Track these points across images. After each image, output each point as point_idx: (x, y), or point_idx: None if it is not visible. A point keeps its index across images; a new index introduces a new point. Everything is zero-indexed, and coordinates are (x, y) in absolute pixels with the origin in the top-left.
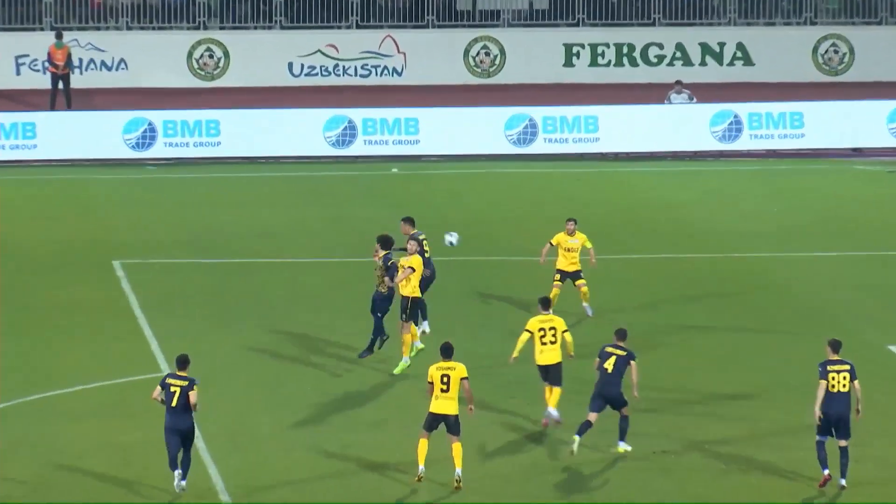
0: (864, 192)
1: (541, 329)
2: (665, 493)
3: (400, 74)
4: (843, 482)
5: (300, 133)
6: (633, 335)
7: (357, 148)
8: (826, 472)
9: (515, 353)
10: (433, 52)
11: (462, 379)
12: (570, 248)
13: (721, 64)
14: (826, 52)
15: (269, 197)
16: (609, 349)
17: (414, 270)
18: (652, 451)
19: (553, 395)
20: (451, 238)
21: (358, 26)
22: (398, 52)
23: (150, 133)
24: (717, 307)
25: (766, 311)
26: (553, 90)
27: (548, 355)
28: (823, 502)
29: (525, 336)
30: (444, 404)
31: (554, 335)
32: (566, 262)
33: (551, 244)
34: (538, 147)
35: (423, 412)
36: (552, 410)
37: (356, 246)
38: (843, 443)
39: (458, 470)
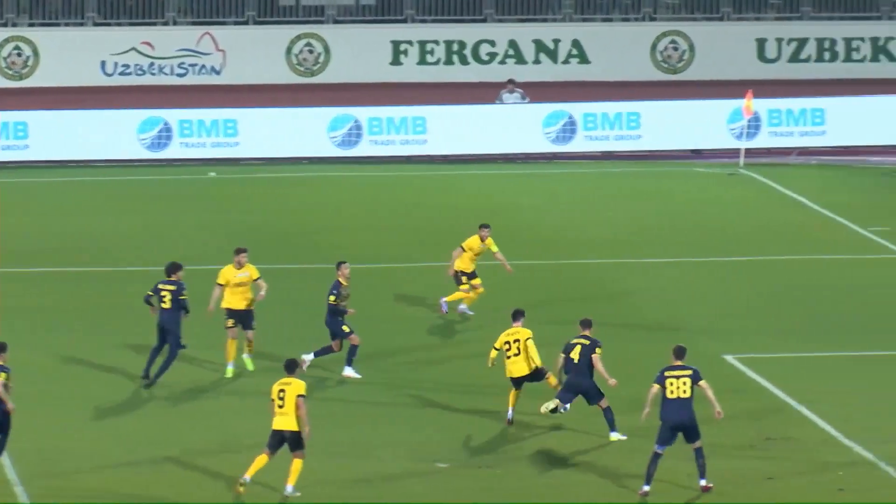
0: (704, 196)
1: (506, 343)
2: None
3: (219, 73)
4: (704, 482)
5: (114, 135)
6: (472, 339)
7: (173, 151)
8: (646, 487)
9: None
10: (254, 50)
11: (298, 396)
12: (478, 254)
13: (556, 62)
14: (665, 49)
15: (81, 203)
16: (574, 340)
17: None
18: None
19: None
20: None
21: (175, 23)
22: (217, 49)
23: None
24: (558, 313)
25: (604, 318)
26: (380, 89)
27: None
28: None
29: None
30: (283, 420)
31: (518, 347)
32: (468, 264)
33: (462, 248)
34: (364, 149)
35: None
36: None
37: (178, 253)
38: (696, 444)
39: (290, 486)
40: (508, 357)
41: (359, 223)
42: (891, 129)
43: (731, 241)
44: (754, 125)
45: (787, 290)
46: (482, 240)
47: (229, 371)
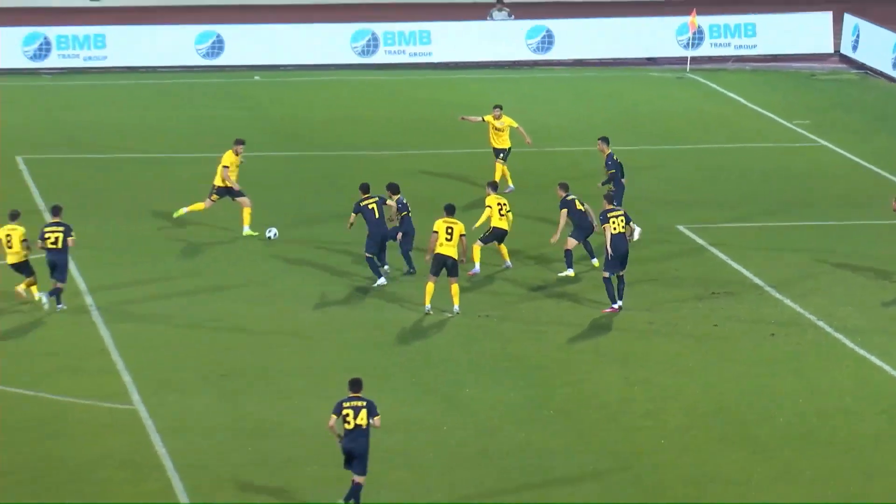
0: (657, 95)
1: (500, 204)
2: None
3: None
4: (620, 303)
5: (175, 46)
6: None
7: (224, 58)
8: (616, 305)
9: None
10: None
11: (461, 235)
12: (498, 129)
13: None
14: None
15: (148, 100)
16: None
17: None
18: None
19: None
20: (270, 233)
21: None
22: None
23: (45, 46)
24: (534, 194)
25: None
26: (392, 9)
27: (445, 248)
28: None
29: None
30: (448, 249)
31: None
32: (498, 141)
33: (483, 119)
34: (380, 58)
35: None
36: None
37: (222, 143)
38: (621, 273)
39: (456, 306)
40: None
41: (376, 118)
42: (811, 40)
43: (680, 131)
44: (698, 38)
45: (728, 173)
46: (496, 118)
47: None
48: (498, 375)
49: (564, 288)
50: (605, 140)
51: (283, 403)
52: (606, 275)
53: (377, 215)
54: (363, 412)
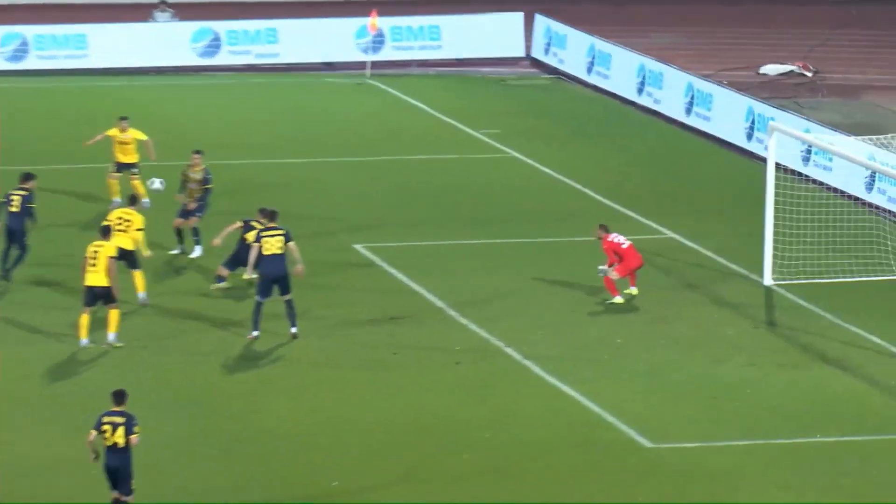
0: (335, 104)
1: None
2: None
3: None
4: (294, 330)
5: None
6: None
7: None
8: (256, 332)
9: None
10: None
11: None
12: (123, 142)
13: None
14: None
15: None
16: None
17: None
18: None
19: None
20: (157, 185)
21: None
22: None
23: None
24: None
25: (245, 211)
26: (43, 10)
27: (92, 277)
28: None
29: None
30: (94, 277)
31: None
32: (122, 154)
33: (107, 135)
34: (30, 64)
35: None
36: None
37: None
38: (287, 297)
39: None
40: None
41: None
42: (498, 43)
43: (360, 144)
44: (379, 41)
45: (410, 187)
46: (122, 130)
47: None
48: (155, 409)
49: (226, 315)
50: (200, 152)
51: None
52: (258, 300)
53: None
54: (120, 429)
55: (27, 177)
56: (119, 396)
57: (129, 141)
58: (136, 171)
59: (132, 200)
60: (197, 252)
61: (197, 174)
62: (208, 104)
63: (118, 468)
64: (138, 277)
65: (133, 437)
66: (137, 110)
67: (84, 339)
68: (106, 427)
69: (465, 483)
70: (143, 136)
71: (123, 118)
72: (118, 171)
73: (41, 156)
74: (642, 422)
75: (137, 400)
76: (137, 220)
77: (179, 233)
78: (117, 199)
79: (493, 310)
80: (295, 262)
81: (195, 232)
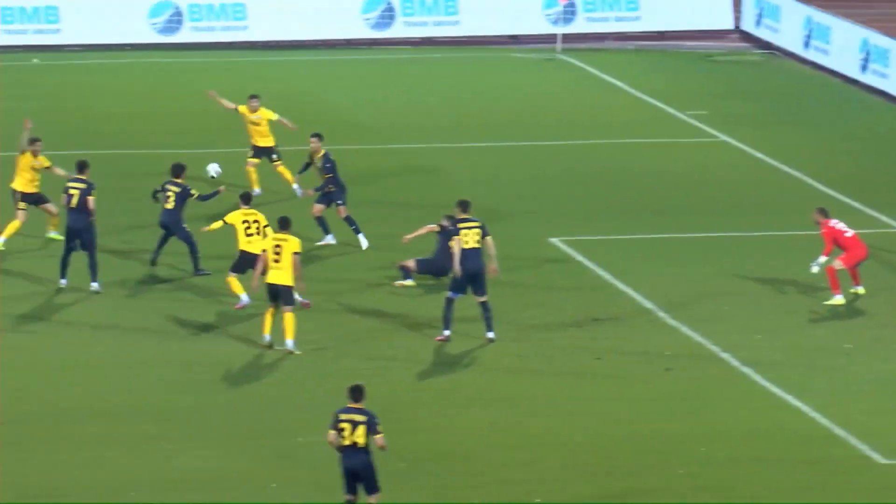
0: (521, 81)
1: (244, 221)
2: None
3: None
4: (491, 335)
5: None
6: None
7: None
8: (447, 332)
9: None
10: None
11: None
12: (254, 122)
13: None
14: None
15: None
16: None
17: None
18: None
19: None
20: (214, 170)
21: None
22: None
23: None
24: (380, 195)
25: (429, 199)
26: None
27: (275, 274)
28: None
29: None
30: (277, 275)
31: (258, 228)
32: (258, 137)
33: (237, 109)
34: (185, 36)
35: None
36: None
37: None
38: (482, 299)
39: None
40: (249, 235)
41: (177, 111)
42: (703, 14)
43: (551, 125)
44: (570, 11)
45: (609, 174)
46: (252, 110)
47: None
48: None
49: (410, 315)
50: (319, 136)
51: (72, 456)
52: (449, 295)
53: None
54: (361, 428)
55: (178, 169)
56: (357, 392)
57: (259, 122)
58: (275, 155)
59: (246, 199)
60: (364, 243)
61: (317, 161)
62: (379, 82)
63: (359, 469)
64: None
65: (379, 438)
66: (295, 87)
67: (266, 336)
68: (344, 425)
69: (682, 502)
70: (273, 116)
71: (254, 96)
72: (256, 156)
73: (185, 137)
74: (875, 436)
75: (318, 409)
76: (262, 218)
77: (322, 221)
78: (257, 189)
79: (705, 311)
80: (490, 258)
81: (350, 221)
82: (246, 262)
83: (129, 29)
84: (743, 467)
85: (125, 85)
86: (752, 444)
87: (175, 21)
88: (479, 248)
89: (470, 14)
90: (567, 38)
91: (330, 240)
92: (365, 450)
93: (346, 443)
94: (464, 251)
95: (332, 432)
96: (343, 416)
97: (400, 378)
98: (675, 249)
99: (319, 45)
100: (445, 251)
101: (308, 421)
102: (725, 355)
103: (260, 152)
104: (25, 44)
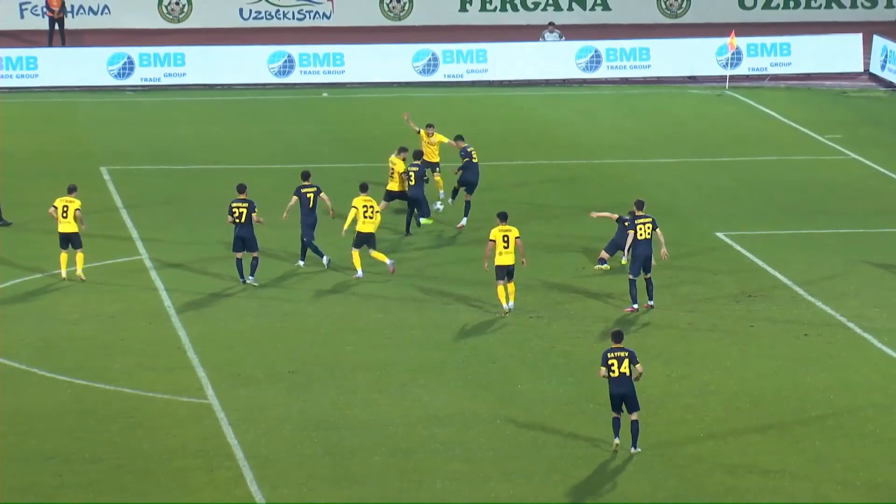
0: (697, 111)
1: (364, 206)
2: None
3: (328, 18)
4: (651, 303)
5: (249, 65)
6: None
7: (294, 77)
8: (636, 305)
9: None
10: (355, 1)
11: (516, 238)
12: (430, 143)
13: (584, 9)
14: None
15: (223, 117)
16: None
17: None
18: None
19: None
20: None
21: None
22: (327, 0)
23: (128, 65)
24: (583, 202)
25: (622, 202)
26: (451, 31)
27: (506, 258)
28: None
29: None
30: (506, 258)
31: (372, 213)
32: (429, 155)
33: (418, 131)
34: (439, 76)
35: None
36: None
37: (292, 155)
38: (648, 275)
39: (511, 303)
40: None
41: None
42: (842, 59)
43: (718, 146)
44: (736, 57)
45: (763, 183)
46: (428, 135)
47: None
48: (548, 372)
49: (611, 289)
50: (461, 137)
51: (347, 397)
52: (631, 277)
53: (311, 204)
54: (626, 361)
55: (243, 188)
56: (618, 336)
57: (433, 144)
58: (437, 169)
59: (363, 187)
60: (463, 221)
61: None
62: (589, 112)
63: (625, 394)
64: (378, 256)
65: (638, 367)
66: (525, 115)
67: (505, 305)
68: (612, 361)
69: (810, 440)
70: (444, 140)
71: (430, 125)
72: (432, 169)
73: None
74: None
75: (534, 363)
76: (375, 204)
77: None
78: (442, 191)
79: (835, 289)
80: (660, 245)
81: (467, 206)
82: (362, 240)
83: (396, 71)
84: (860, 413)
85: (394, 113)
86: (869, 394)
87: (432, 64)
88: (649, 239)
89: (659, 59)
90: (733, 78)
91: (438, 206)
92: (628, 378)
93: (615, 375)
94: (637, 240)
95: (603, 368)
96: (611, 355)
97: (594, 338)
98: (815, 243)
99: (542, 83)
100: (621, 235)
101: (526, 371)
102: (851, 325)
103: (427, 166)
104: (317, 82)
